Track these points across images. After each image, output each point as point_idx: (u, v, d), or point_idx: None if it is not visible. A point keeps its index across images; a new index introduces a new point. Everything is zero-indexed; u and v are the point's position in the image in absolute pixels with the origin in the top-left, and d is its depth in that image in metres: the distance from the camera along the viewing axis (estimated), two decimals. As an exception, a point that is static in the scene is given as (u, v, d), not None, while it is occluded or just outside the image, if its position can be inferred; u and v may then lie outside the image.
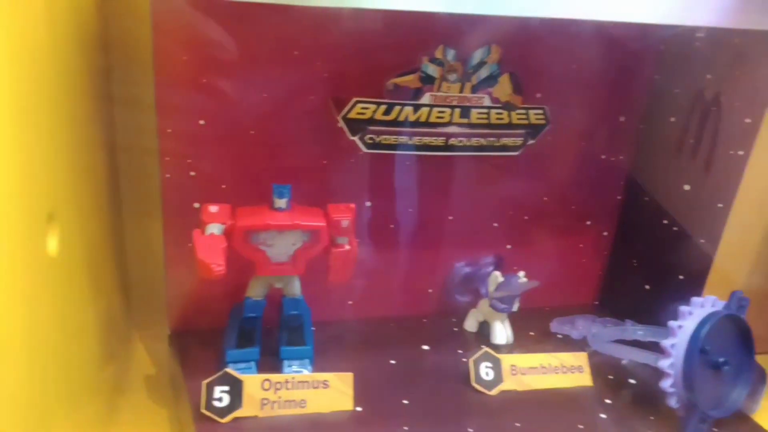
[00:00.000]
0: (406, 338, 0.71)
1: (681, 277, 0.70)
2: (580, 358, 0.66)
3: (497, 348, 0.70)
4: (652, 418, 0.61)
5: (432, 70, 0.56)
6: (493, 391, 0.62)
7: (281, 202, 0.54)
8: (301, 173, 0.62)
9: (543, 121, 0.61)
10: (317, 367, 0.63)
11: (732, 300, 0.60)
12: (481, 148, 0.61)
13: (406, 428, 0.56)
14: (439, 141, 0.60)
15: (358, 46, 0.56)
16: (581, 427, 0.58)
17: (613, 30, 0.65)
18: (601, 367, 0.68)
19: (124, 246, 0.72)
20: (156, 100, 0.58)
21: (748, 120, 0.61)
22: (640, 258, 0.77)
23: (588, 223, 0.78)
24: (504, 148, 0.62)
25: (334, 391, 0.57)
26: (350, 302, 0.73)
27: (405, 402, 0.60)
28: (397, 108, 0.56)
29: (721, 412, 0.59)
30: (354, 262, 0.59)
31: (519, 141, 0.62)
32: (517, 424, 0.58)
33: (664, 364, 0.58)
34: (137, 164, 0.68)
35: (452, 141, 0.60)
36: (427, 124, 0.58)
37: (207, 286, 0.63)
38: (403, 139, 0.58)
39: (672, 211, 0.71)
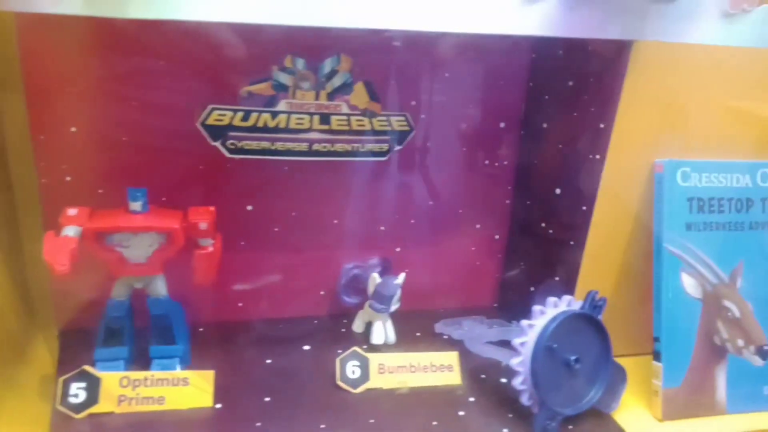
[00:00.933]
0: (289, 338, 0.73)
1: (557, 278, 0.72)
2: (450, 358, 0.68)
3: (377, 348, 0.72)
4: (510, 415, 0.62)
5: (284, 78, 0.58)
6: (358, 390, 0.64)
7: (136, 205, 0.56)
8: (173, 177, 0.65)
9: (407, 128, 0.64)
10: (195, 367, 0.65)
11: (586, 300, 0.61)
12: (346, 153, 0.63)
13: (259, 424, 0.58)
14: (303, 146, 0.62)
15: (216, 56, 0.58)
16: (435, 423, 0.60)
17: (482, 39, 0.68)
18: (480, 367, 0.70)
19: (22, 249, 0.74)
20: (27, 107, 0.61)
21: (601, 125, 0.63)
22: (528, 261, 0.79)
23: (478, 226, 0.80)
24: (370, 153, 0.64)
25: (193, 389, 0.59)
26: (240, 304, 0.76)
27: (266, 399, 0.62)
28: (255, 114, 0.59)
29: (574, 410, 0.61)
30: (217, 264, 0.61)
31: (384, 147, 0.64)
32: (371, 421, 0.60)
33: (514, 362, 0.60)
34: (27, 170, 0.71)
35: (315, 146, 0.62)
36: (287, 130, 0.61)
37: (91, 286, 0.66)
38: (265, 144, 0.61)
39: (548, 215, 0.73)
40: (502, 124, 0.74)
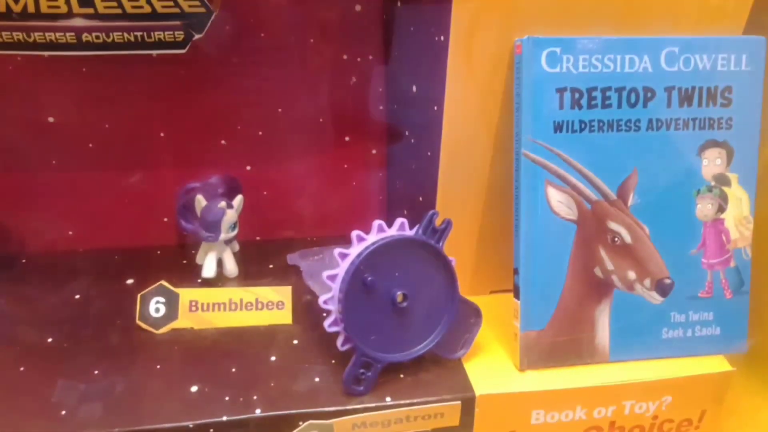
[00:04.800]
0: (117, 272, 0.64)
1: (420, 198, 0.59)
2: (282, 293, 0.57)
3: (212, 282, 0.62)
4: (333, 362, 0.52)
5: (9, -58, 0.46)
6: (162, 330, 0.54)
7: None
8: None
9: (201, 9, 0.50)
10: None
11: (423, 223, 0.49)
12: (128, 45, 0.51)
13: (22, 369, 0.50)
14: (69, 37, 0.50)
15: None
16: (234, 370, 0.50)
17: None
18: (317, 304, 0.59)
19: None
20: None
21: (442, -7, 0.48)
22: (408, 177, 0.66)
23: (347, 139, 0.67)
24: (161, 44, 0.51)
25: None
26: (70, 233, 0.67)
27: (49, 340, 0.53)
28: (-8, -4, 0.47)
29: (404, 356, 0.49)
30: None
31: (180, 35, 0.51)
32: (158, 366, 0.50)
33: (322, 299, 0.48)
34: None
35: (86, 36, 0.50)
36: (40, 15, 0.48)
37: None
38: (19, 35, 0.49)
39: (409, 121, 0.59)
40: (358, 7, 0.59)
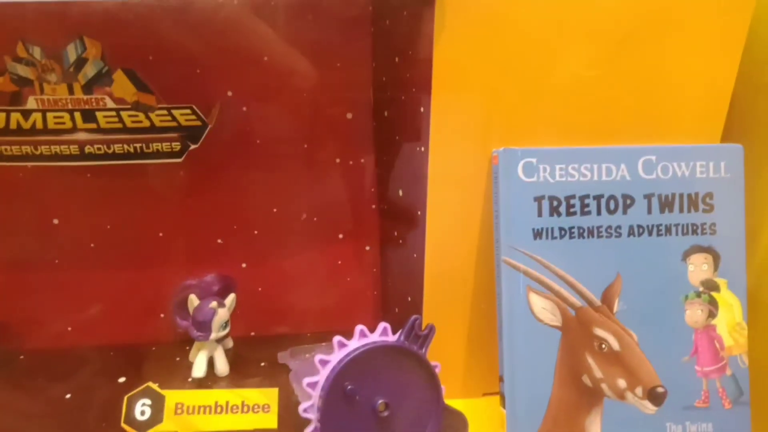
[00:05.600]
0: (111, 370, 0.64)
1: (409, 299, 0.59)
2: (268, 396, 0.56)
3: (203, 383, 0.62)
4: (315, 472, 0.50)
5: (23, 70, 0.50)
6: (146, 434, 0.54)
7: None
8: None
9: (197, 122, 0.54)
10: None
11: (405, 328, 0.48)
12: (128, 155, 0.54)
13: (3, 475, 0.50)
14: (73, 149, 0.53)
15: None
16: (213, 481, 0.49)
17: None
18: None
19: None
20: None
21: (421, 109, 0.50)
22: (401, 275, 0.66)
23: (341, 236, 0.68)
24: (159, 154, 0.55)
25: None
26: (69, 329, 0.68)
27: (33, 444, 0.53)
28: (3, 114, 0.51)
29: (386, 469, 0.48)
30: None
31: (177, 146, 0.54)
32: (138, 476, 0.50)
33: (302, 407, 0.48)
34: None
35: (88, 149, 0.53)
36: (47, 131, 0.52)
37: None
38: (27, 149, 0.53)
39: (397, 222, 0.60)
40: (349, 115, 0.62)
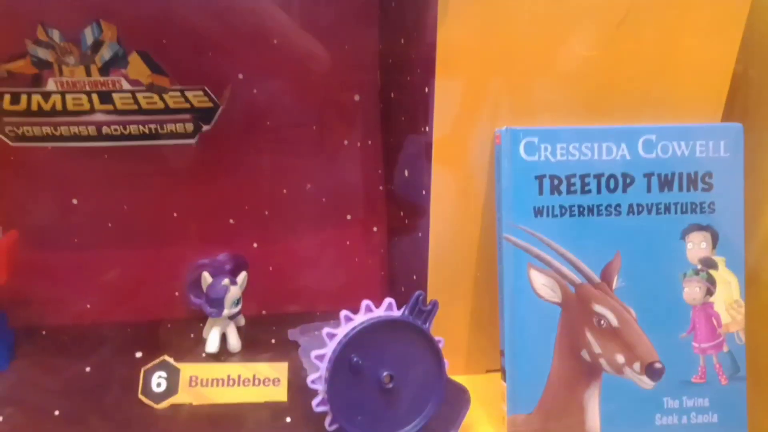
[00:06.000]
0: (128, 345, 0.66)
1: (414, 277, 0.60)
2: (278, 369, 0.58)
3: (217, 357, 0.64)
4: (323, 441, 0.52)
5: (42, 53, 0.51)
6: (161, 404, 0.56)
7: None
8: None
9: (209, 104, 0.55)
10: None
11: (409, 304, 0.50)
12: (143, 136, 0.56)
13: (25, 441, 0.52)
14: (91, 130, 0.55)
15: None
16: (224, 448, 0.51)
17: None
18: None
19: None
20: None
21: (426, 89, 0.51)
22: (406, 255, 0.68)
23: (349, 217, 0.70)
24: (173, 135, 0.56)
25: (-25, 399, 0.55)
26: (88, 306, 0.70)
27: (56, 413, 0.56)
28: (24, 96, 0.53)
29: (391, 438, 0.50)
30: (4, 261, 0.56)
31: (189, 127, 0.56)
32: (153, 443, 0.52)
33: (310, 379, 0.50)
34: None
35: (105, 129, 0.55)
36: (67, 112, 0.54)
37: None
38: (47, 129, 0.55)
39: (403, 202, 0.61)
40: (357, 97, 0.64)
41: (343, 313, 0.50)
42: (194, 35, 0.55)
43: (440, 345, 0.51)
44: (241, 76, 0.60)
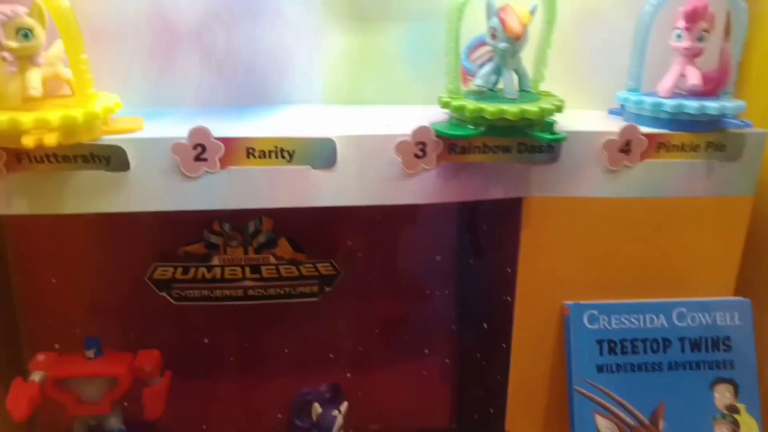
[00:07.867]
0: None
1: (491, 411, 0.74)
2: (381, 490, 0.70)
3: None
4: None
5: (214, 239, 0.67)
6: None
7: (90, 353, 0.65)
8: (138, 322, 0.75)
9: (333, 272, 0.70)
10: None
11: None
12: (279, 296, 0.70)
13: None
14: (238, 293, 0.70)
15: (159, 223, 0.69)
16: None
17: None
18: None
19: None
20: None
21: (508, 269, 0.66)
22: (474, 388, 0.81)
23: (426, 351, 0.84)
24: (302, 295, 0.71)
25: None
26: (204, 426, 0.82)
27: None
28: (193, 269, 0.68)
29: None
30: (162, 400, 0.68)
31: (315, 289, 0.71)
32: None
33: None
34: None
35: (250, 292, 0.70)
36: (223, 280, 0.69)
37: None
38: (205, 292, 0.69)
39: (481, 347, 0.75)
40: (438, 257, 0.79)
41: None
42: (327, 224, 0.72)
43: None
44: (349, 242, 0.75)
